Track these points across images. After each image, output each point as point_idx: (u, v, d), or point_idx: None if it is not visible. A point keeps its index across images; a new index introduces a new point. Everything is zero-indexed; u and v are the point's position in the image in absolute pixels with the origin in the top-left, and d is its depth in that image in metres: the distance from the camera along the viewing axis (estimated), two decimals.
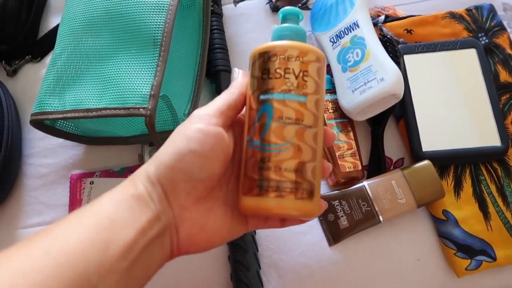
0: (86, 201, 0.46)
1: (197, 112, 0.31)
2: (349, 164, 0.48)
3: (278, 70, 0.29)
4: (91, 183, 0.46)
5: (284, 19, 0.33)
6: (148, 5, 0.42)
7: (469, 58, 0.52)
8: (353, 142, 0.49)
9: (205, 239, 0.31)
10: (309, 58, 0.30)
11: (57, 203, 0.48)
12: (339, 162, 0.47)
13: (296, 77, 0.29)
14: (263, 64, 0.30)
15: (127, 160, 0.49)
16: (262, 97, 0.29)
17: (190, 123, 0.30)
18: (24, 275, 0.22)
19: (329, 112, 0.49)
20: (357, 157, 0.48)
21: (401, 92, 0.46)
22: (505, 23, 0.55)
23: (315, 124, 0.30)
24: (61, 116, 0.40)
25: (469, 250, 0.45)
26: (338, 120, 0.49)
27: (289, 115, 0.29)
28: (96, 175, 0.48)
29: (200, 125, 0.29)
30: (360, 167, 0.48)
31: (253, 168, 0.29)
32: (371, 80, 0.46)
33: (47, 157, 0.50)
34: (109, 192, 0.28)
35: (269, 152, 0.28)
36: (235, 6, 0.58)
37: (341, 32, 0.51)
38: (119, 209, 0.26)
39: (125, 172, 0.48)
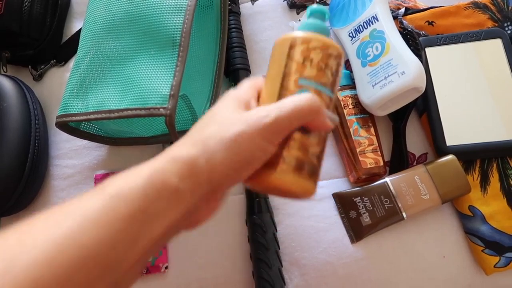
0: None
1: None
2: (370, 160, 0.47)
3: (320, 63, 0.30)
4: None
5: (315, 16, 0.33)
6: (167, 6, 0.42)
7: (495, 48, 0.50)
8: (374, 138, 0.48)
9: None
10: (341, 60, 0.32)
11: None
12: (360, 158, 0.47)
13: (332, 74, 0.31)
14: (307, 51, 0.30)
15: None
16: (301, 82, 0.30)
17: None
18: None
19: (349, 108, 0.49)
20: (379, 153, 0.48)
21: (423, 85, 0.45)
22: None
23: None
24: (84, 118, 0.41)
25: (498, 247, 0.43)
26: (359, 116, 0.49)
27: None
28: None
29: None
30: (382, 163, 0.47)
31: (283, 146, 0.29)
32: (391, 74, 0.45)
33: (72, 158, 0.51)
34: (143, 177, 0.25)
35: (301, 135, 0.29)
36: (253, 4, 0.58)
37: (360, 26, 0.50)
38: (152, 200, 0.24)
39: None
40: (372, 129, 0.48)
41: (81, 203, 0.24)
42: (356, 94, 0.49)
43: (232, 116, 0.27)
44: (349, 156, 0.48)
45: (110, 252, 0.23)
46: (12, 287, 0.20)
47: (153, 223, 0.24)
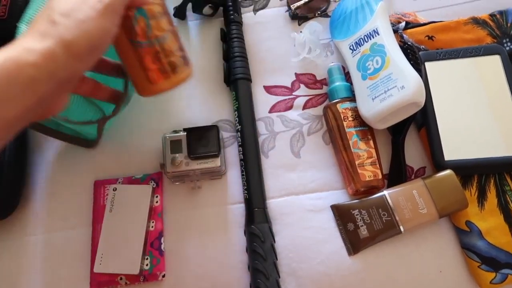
0: (109, 207, 0.47)
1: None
2: (369, 173, 0.47)
3: None
4: (114, 189, 0.47)
5: None
6: None
7: (493, 64, 0.50)
8: (373, 151, 0.48)
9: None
10: None
11: (81, 209, 0.49)
12: (359, 171, 0.47)
13: None
14: None
15: (148, 167, 0.50)
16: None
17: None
18: None
19: (349, 120, 0.49)
20: (377, 165, 0.48)
21: (422, 100, 0.45)
22: None
23: (166, 9, 0.37)
24: None
25: (494, 263, 0.44)
26: (358, 128, 0.49)
27: (158, 10, 0.35)
28: (119, 182, 0.49)
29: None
30: (380, 176, 0.47)
31: (154, 61, 0.35)
32: (391, 88, 0.46)
33: (72, 163, 0.51)
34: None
35: (160, 43, 0.35)
36: (255, 14, 0.59)
37: (361, 39, 0.50)
38: (6, 85, 0.27)
39: (147, 178, 0.49)
40: (371, 142, 0.49)
41: None
42: (356, 107, 0.50)
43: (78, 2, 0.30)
44: (347, 168, 0.48)
45: None
46: None
47: (6, 106, 0.26)
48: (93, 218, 0.47)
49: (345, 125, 0.49)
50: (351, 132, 0.49)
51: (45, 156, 0.52)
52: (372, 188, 0.47)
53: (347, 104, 0.50)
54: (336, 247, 0.46)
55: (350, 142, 0.48)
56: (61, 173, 0.51)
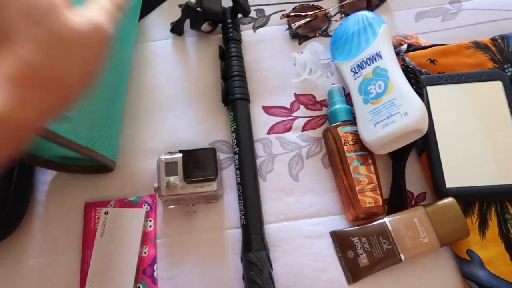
0: (101, 232, 0.45)
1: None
2: (369, 199, 0.46)
3: None
4: (106, 213, 0.46)
5: None
6: None
7: (495, 90, 0.50)
8: (373, 176, 0.47)
9: None
10: None
11: (70, 233, 0.47)
12: (359, 197, 0.46)
13: None
14: None
15: (142, 190, 0.48)
16: None
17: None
18: None
19: (349, 144, 0.48)
20: (378, 191, 0.47)
21: (425, 127, 0.45)
22: None
23: None
24: None
25: None
26: (359, 153, 0.48)
27: None
28: (111, 205, 0.47)
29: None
30: (381, 202, 0.46)
31: None
32: (394, 114, 0.45)
33: (62, 185, 0.49)
34: None
35: None
36: (254, 32, 0.58)
37: (363, 62, 0.49)
38: None
39: (140, 201, 0.47)
40: (372, 167, 0.48)
41: None
42: (356, 131, 0.49)
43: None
44: (347, 193, 0.47)
45: None
46: None
47: None
48: (83, 243, 0.45)
49: (345, 149, 0.48)
50: (352, 157, 0.48)
51: (39, 177, 0.50)
52: (373, 215, 0.46)
53: (348, 128, 0.49)
54: (335, 276, 0.45)
55: (351, 167, 0.47)
56: (52, 194, 0.49)
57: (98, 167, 0.47)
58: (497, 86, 0.50)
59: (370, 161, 0.48)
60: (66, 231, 0.47)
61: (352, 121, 0.50)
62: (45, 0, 0.25)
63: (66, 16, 0.26)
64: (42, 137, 0.34)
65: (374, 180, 0.47)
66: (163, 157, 0.46)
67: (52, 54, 0.25)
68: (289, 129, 0.52)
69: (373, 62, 0.48)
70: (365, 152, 0.48)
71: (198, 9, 0.53)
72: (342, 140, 0.48)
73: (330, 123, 0.51)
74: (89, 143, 0.41)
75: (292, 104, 0.53)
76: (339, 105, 0.51)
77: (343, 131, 0.49)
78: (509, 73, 0.52)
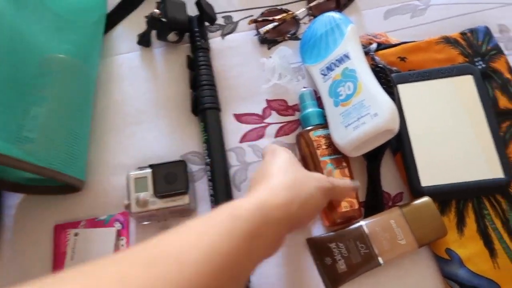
0: (71, 255, 0.44)
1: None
2: (345, 203, 0.45)
3: None
4: (76, 234, 0.44)
5: None
6: None
7: (466, 85, 0.50)
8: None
9: None
10: None
11: (41, 258, 0.45)
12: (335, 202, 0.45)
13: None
14: None
15: (113, 207, 0.47)
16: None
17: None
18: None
19: (322, 148, 0.47)
20: (354, 195, 0.46)
21: (396, 127, 0.44)
22: (502, 45, 0.53)
23: None
24: None
25: None
26: (332, 157, 0.47)
27: None
28: (82, 225, 0.46)
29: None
30: (357, 206, 0.46)
31: None
32: (364, 115, 0.44)
33: (30, 208, 0.48)
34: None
35: None
36: (223, 39, 0.57)
37: (332, 64, 0.49)
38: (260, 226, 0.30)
39: (111, 220, 0.46)
40: (346, 170, 0.47)
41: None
42: (329, 134, 0.48)
43: (306, 173, 0.38)
44: None
45: (236, 266, 0.27)
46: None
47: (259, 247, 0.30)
48: (53, 268, 0.44)
49: (318, 153, 0.47)
50: (325, 161, 0.47)
51: (6, 201, 0.48)
52: (349, 219, 0.45)
53: (320, 132, 0.48)
54: (314, 284, 0.44)
55: (325, 172, 0.46)
56: (20, 218, 0.47)
57: (67, 187, 0.46)
58: (468, 80, 0.50)
59: (344, 164, 0.47)
60: (37, 256, 0.45)
61: (325, 124, 0.49)
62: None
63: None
64: None
65: None
66: (132, 173, 0.45)
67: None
68: (262, 136, 0.51)
69: (341, 63, 0.48)
70: (339, 156, 0.47)
71: (163, 19, 0.52)
72: (315, 145, 0.48)
73: (303, 128, 0.50)
74: (51, 163, 0.40)
75: (264, 110, 0.52)
76: (311, 109, 0.50)
77: (316, 135, 0.48)
78: (479, 67, 0.51)
